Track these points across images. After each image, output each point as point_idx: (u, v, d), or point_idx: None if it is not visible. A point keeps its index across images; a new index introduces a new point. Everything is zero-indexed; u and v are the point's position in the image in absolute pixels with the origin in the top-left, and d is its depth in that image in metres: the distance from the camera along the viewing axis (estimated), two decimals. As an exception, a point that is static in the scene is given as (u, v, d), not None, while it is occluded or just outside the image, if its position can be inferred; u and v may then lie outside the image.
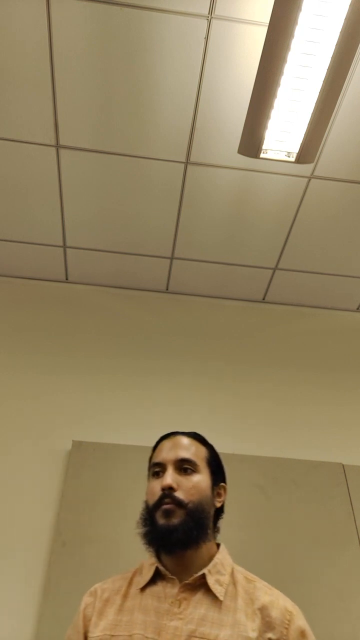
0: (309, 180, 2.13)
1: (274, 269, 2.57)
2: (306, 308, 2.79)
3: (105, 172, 2.12)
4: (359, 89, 1.80)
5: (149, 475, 1.13)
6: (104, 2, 1.61)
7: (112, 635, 0.95)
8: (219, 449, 2.21)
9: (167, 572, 1.02)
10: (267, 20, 1.50)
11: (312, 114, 1.60)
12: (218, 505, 1.12)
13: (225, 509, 1.88)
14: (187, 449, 1.11)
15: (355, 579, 1.84)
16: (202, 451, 1.14)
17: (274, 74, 1.49)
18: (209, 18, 1.64)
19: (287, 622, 0.97)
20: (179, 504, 1.02)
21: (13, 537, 1.85)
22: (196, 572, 1.01)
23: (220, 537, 1.72)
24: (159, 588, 1.01)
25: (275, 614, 0.97)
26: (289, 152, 1.72)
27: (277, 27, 1.36)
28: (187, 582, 1.00)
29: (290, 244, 2.41)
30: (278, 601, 1.01)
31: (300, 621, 0.99)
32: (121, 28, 1.67)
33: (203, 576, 1.00)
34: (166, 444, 1.13)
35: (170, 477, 1.05)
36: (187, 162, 2.07)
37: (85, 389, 2.28)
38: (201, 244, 2.42)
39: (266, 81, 1.50)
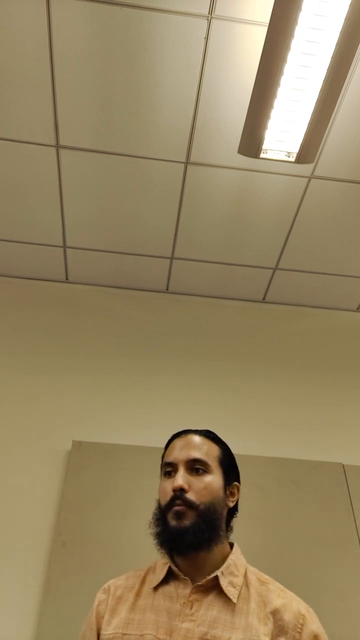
0: (309, 180, 2.13)
1: (274, 269, 2.57)
2: (306, 308, 2.79)
3: (105, 172, 2.12)
4: (359, 89, 1.80)
5: (161, 474, 1.12)
6: (104, 2, 1.61)
7: (124, 634, 0.95)
8: (219, 449, 2.20)
9: (179, 573, 1.02)
10: (267, 20, 1.50)
11: (312, 114, 1.60)
12: (231, 505, 1.10)
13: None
14: (199, 448, 1.09)
15: (355, 579, 1.84)
16: (215, 450, 1.12)
17: (274, 74, 1.49)
18: (209, 18, 1.64)
19: (300, 626, 0.96)
20: (190, 505, 1.01)
21: (13, 537, 1.85)
22: (209, 573, 1.00)
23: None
24: (171, 588, 1.01)
25: (288, 617, 0.96)
26: (289, 152, 1.72)
27: (277, 27, 1.36)
28: (199, 583, 0.99)
29: (290, 244, 2.41)
30: (291, 604, 0.99)
31: (313, 625, 0.97)
32: (121, 28, 1.66)
33: (216, 577, 1.00)
34: (178, 442, 1.12)
35: (181, 478, 1.04)
36: (187, 162, 2.07)
37: (85, 389, 2.28)
38: (201, 244, 2.42)
39: (266, 81, 1.50)
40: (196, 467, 1.06)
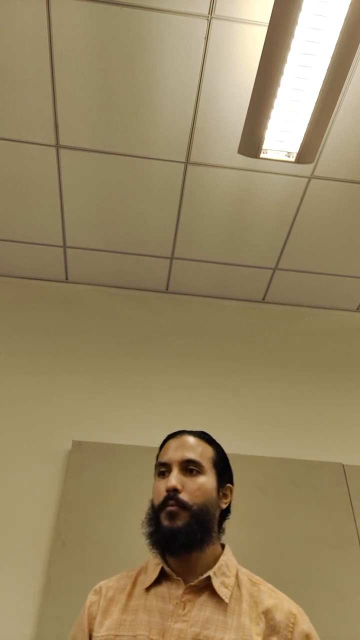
0: (309, 180, 2.13)
1: (274, 269, 2.57)
2: (306, 308, 2.79)
3: (105, 172, 2.12)
4: (359, 89, 1.80)
5: (155, 474, 1.13)
6: (104, 2, 1.61)
7: (117, 635, 0.95)
8: (219, 449, 2.20)
9: (172, 573, 1.02)
10: (267, 20, 1.50)
11: (312, 114, 1.60)
12: (224, 506, 1.11)
13: (225, 509, 1.84)
14: (193, 449, 1.10)
15: (355, 579, 1.84)
16: (209, 451, 1.12)
17: (274, 74, 1.49)
18: (209, 18, 1.64)
19: (291, 625, 0.97)
20: (183, 506, 1.02)
21: (13, 537, 1.85)
22: (201, 574, 1.01)
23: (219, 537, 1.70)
24: (163, 589, 1.01)
25: (279, 617, 0.97)
26: (289, 152, 1.72)
27: (277, 27, 1.36)
28: (192, 584, 0.99)
29: (290, 244, 2.41)
30: (282, 604, 1.00)
31: (304, 624, 0.99)
32: (121, 28, 1.66)
33: (208, 578, 1.00)
34: (173, 443, 1.12)
35: (175, 478, 1.04)
36: (187, 162, 2.07)
37: (85, 389, 2.28)
38: (201, 244, 2.42)
39: (266, 81, 1.50)
40: (190, 467, 1.07)
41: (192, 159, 2.06)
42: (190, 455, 1.08)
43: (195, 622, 0.94)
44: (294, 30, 1.38)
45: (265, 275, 2.61)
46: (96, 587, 1.09)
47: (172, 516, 1.01)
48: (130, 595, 1.02)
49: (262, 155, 1.73)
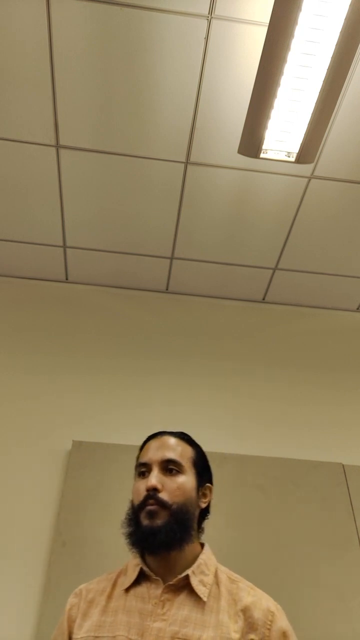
0: (309, 180, 2.13)
1: (274, 269, 2.57)
2: (306, 308, 2.79)
3: (105, 172, 2.12)
4: (359, 89, 1.80)
5: (135, 474, 1.13)
6: (104, 2, 1.61)
7: (96, 637, 0.95)
8: (218, 448, 2.22)
9: (151, 573, 1.02)
10: (267, 20, 1.50)
11: (312, 114, 1.60)
12: (203, 505, 1.12)
13: (225, 509, 1.88)
14: (173, 449, 1.11)
15: (355, 579, 1.84)
16: (189, 451, 1.13)
17: (274, 74, 1.49)
18: (209, 18, 1.64)
19: (269, 623, 0.98)
20: (162, 505, 1.02)
21: (13, 537, 1.85)
22: (180, 573, 1.01)
23: (219, 537, 1.72)
24: (143, 589, 1.01)
25: (257, 614, 0.98)
26: (289, 152, 1.72)
27: (277, 27, 1.36)
28: (170, 583, 1.00)
29: (290, 244, 2.41)
30: (261, 602, 1.01)
31: (282, 622, 1.00)
32: (121, 28, 1.66)
33: (187, 577, 1.01)
34: (153, 444, 1.13)
35: (155, 478, 1.05)
36: (187, 162, 2.07)
37: (85, 389, 2.28)
38: (201, 244, 2.42)
39: (266, 81, 1.50)
40: (170, 467, 1.08)
41: (192, 159, 2.06)
42: (171, 455, 1.09)
43: (174, 620, 0.94)
44: (294, 30, 1.38)
45: (265, 275, 2.61)
46: (76, 590, 1.09)
47: (151, 515, 1.02)
48: (109, 597, 1.03)
49: (262, 155, 1.73)
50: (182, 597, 0.99)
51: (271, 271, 2.58)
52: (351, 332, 2.72)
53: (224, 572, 1.07)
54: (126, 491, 1.93)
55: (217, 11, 1.62)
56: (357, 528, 1.96)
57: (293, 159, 1.74)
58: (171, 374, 2.40)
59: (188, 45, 1.70)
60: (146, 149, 2.02)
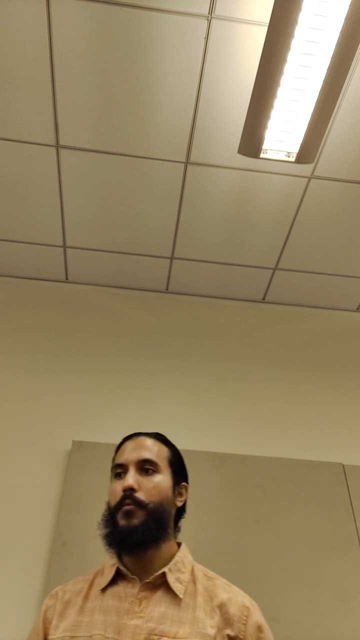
0: (309, 180, 2.13)
1: (274, 269, 2.57)
2: (306, 308, 2.79)
3: (105, 172, 2.12)
4: (359, 89, 1.80)
5: (111, 476, 1.14)
6: (104, 2, 1.61)
7: (72, 637, 0.95)
8: (218, 448, 2.22)
9: (127, 572, 1.03)
10: (267, 20, 1.50)
11: (312, 114, 1.60)
12: (179, 504, 1.13)
13: (225, 509, 1.88)
14: (149, 449, 1.12)
15: (355, 579, 1.84)
16: (164, 451, 1.15)
17: (274, 74, 1.49)
18: (209, 18, 1.64)
19: (244, 618, 0.99)
20: (139, 504, 1.03)
21: (13, 537, 1.85)
22: (157, 571, 1.02)
23: (220, 537, 1.72)
24: (119, 588, 1.02)
25: (233, 610, 0.99)
26: (289, 152, 1.72)
27: (277, 27, 1.36)
28: (147, 580, 1.01)
29: (290, 244, 2.41)
30: (236, 598, 1.02)
31: (257, 617, 1.01)
32: (121, 28, 1.67)
33: (163, 575, 1.01)
34: (129, 445, 1.15)
35: (131, 478, 1.06)
36: (187, 162, 2.07)
37: (85, 389, 2.28)
38: (201, 244, 2.42)
39: (266, 81, 1.50)
40: (146, 467, 1.09)
41: (192, 159, 2.06)
42: (147, 455, 1.11)
43: (151, 617, 0.95)
44: (294, 30, 1.38)
45: (265, 275, 2.61)
46: (52, 592, 1.10)
47: (128, 515, 1.03)
48: (86, 597, 1.03)
49: (262, 155, 1.73)
50: (159, 595, 0.99)
51: (271, 271, 2.58)
52: (351, 332, 2.72)
53: (201, 570, 1.08)
54: (126, 491, 1.93)
55: (217, 11, 1.62)
56: (357, 528, 1.96)
57: (293, 159, 1.74)
58: (171, 374, 2.40)
59: (188, 45, 1.70)
60: (146, 149, 2.02)
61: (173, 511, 1.10)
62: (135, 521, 1.02)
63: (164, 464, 1.12)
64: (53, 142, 2.01)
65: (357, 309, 2.81)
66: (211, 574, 1.09)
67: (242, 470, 2.06)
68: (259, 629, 1.00)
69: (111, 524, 1.05)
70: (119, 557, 1.07)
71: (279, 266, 2.54)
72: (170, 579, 1.01)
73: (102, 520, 1.08)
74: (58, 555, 1.77)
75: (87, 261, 2.54)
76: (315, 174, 2.10)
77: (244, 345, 2.57)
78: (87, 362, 2.38)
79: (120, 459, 1.12)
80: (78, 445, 2.04)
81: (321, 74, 1.49)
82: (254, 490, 2.01)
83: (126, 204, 2.25)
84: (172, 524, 1.10)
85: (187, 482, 1.18)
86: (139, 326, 2.56)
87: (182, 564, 1.06)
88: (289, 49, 1.42)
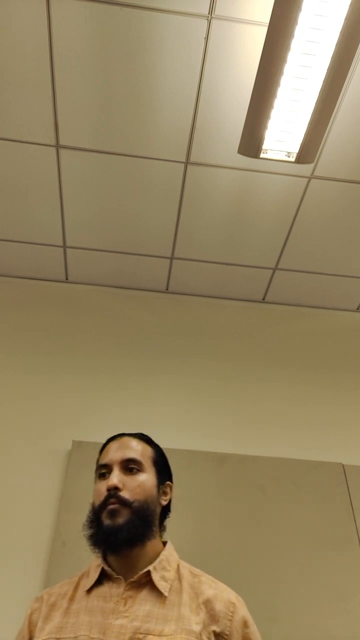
0: (309, 180, 2.13)
1: (274, 269, 2.57)
2: (306, 308, 2.79)
3: (105, 172, 2.12)
4: (359, 89, 1.80)
5: (95, 476, 1.14)
6: (104, 2, 1.61)
7: (58, 638, 0.95)
8: (218, 448, 2.22)
9: (112, 572, 1.03)
10: (267, 20, 1.50)
11: (312, 114, 1.60)
12: (164, 503, 1.13)
13: (225, 509, 1.88)
14: (134, 449, 1.13)
15: (355, 579, 1.84)
16: (148, 451, 1.15)
17: (274, 74, 1.49)
18: (209, 18, 1.64)
19: (230, 614, 0.99)
20: (124, 503, 1.04)
21: (13, 537, 1.85)
22: (142, 570, 1.02)
23: (220, 537, 1.73)
24: (105, 588, 1.02)
25: (219, 606, 0.99)
26: (289, 152, 1.72)
27: (277, 27, 1.36)
28: (132, 580, 1.01)
29: (290, 244, 2.41)
30: (222, 594, 1.02)
31: (243, 612, 1.02)
32: (121, 28, 1.67)
33: (148, 573, 1.01)
34: (113, 445, 1.15)
35: (115, 477, 1.07)
36: (187, 162, 2.07)
37: (85, 389, 2.28)
38: (201, 244, 2.42)
39: (266, 81, 1.50)
40: (130, 466, 1.10)
41: (192, 159, 2.06)
42: (131, 454, 1.11)
43: (136, 616, 0.95)
44: (294, 30, 1.38)
45: (265, 275, 2.61)
46: (38, 595, 1.10)
47: (113, 514, 1.03)
48: (72, 599, 1.03)
49: (262, 155, 1.73)
50: (144, 594, 0.99)
51: (271, 271, 2.58)
52: (351, 332, 2.72)
53: (186, 567, 1.08)
54: (126, 491, 1.93)
55: (217, 11, 1.62)
56: (357, 528, 1.96)
57: (293, 159, 1.74)
58: (171, 374, 2.40)
59: (188, 45, 1.70)
60: (146, 149, 2.02)
61: (158, 510, 1.11)
62: (120, 520, 1.02)
63: (148, 463, 1.12)
64: (53, 142, 2.01)
65: (357, 309, 2.81)
66: (197, 571, 1.09)
67: (242, 470, 2.06)
68: (245, 624, 1.00)
69: (96, 524, 1.06)
70: (104, 558, 1.07)
71: (279, 266, 2.54)
72: (155, 577, 1.01)
73: (86, 521, 1.09)
74: (58, 555, 1.77)
75: (87, 261, 2.54)
76: (315, 174, 2.10)
77: (244, 345, 2.57)
78: (87, 362, 2.38)
79: (105, 459, 1.12)
80: (78, 445, 2.04)
81: (321, 74, 1.49)
82: (254, 490, 2.01)
83: (126, 204, 2.25)
84: (157, 522, 1.10)
85: (171, 481, 1.18)
86: (139, 326, 2.56)
87: (167, 562, 1.06)
88: (289, 49, 1.42)
